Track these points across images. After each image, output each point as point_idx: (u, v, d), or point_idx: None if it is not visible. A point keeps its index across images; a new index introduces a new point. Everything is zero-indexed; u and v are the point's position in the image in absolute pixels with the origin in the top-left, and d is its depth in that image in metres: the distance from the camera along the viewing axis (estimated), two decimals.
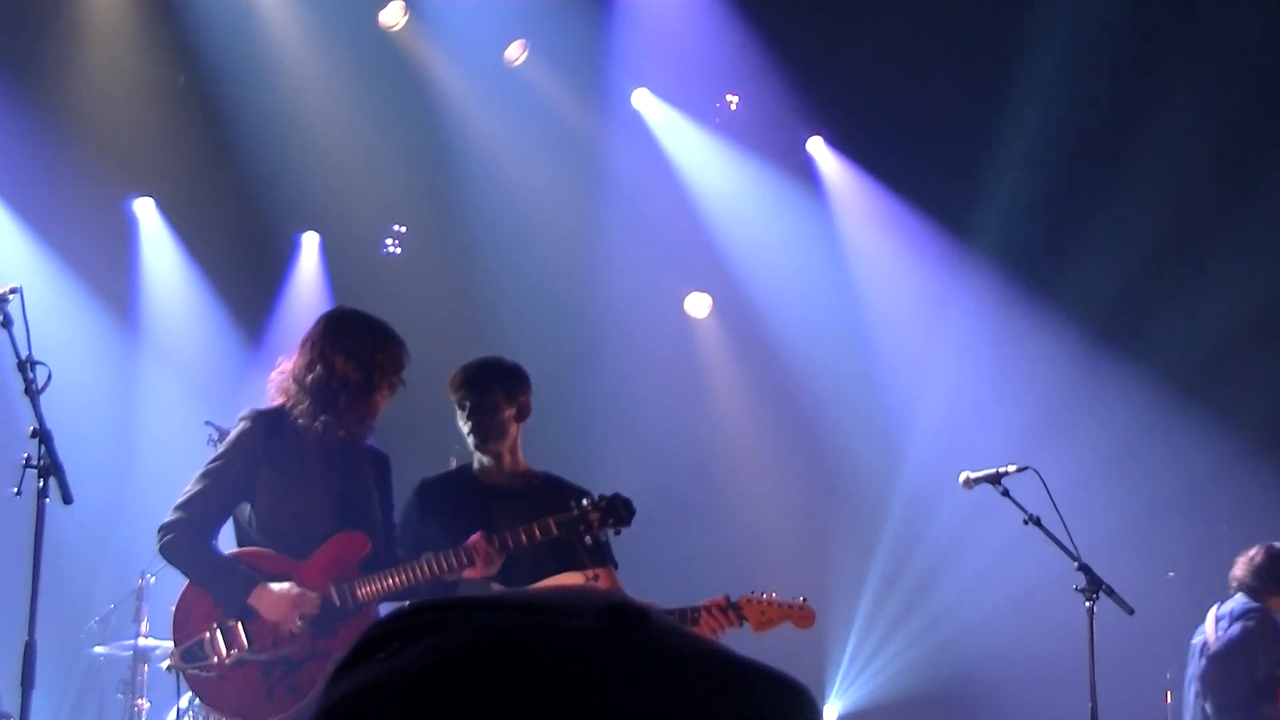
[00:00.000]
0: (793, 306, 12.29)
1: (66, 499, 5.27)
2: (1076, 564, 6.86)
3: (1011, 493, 7.05)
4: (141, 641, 8.31)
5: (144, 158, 11.45)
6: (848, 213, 12.47)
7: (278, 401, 5.88)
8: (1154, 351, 11.48)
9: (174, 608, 5.69)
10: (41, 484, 5.28)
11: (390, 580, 5.61)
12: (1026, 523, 6.95)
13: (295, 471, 5.77)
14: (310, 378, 5.82)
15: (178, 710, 6.40)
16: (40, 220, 10.97)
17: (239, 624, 5.51)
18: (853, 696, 11.58)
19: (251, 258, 11.98)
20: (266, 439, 5.79)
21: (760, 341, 12.33)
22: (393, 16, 11.41)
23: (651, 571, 11.48)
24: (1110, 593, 6.82)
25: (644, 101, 12.27)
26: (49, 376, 5.44)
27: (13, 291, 5.62)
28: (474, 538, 5.63)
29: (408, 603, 1.10)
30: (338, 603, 5.58)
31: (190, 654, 5.54)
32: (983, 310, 11.86)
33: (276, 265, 12.05)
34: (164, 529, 5.66)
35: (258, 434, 5.78)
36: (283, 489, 5.75)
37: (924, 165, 11.99)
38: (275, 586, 5.52)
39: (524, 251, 11.95)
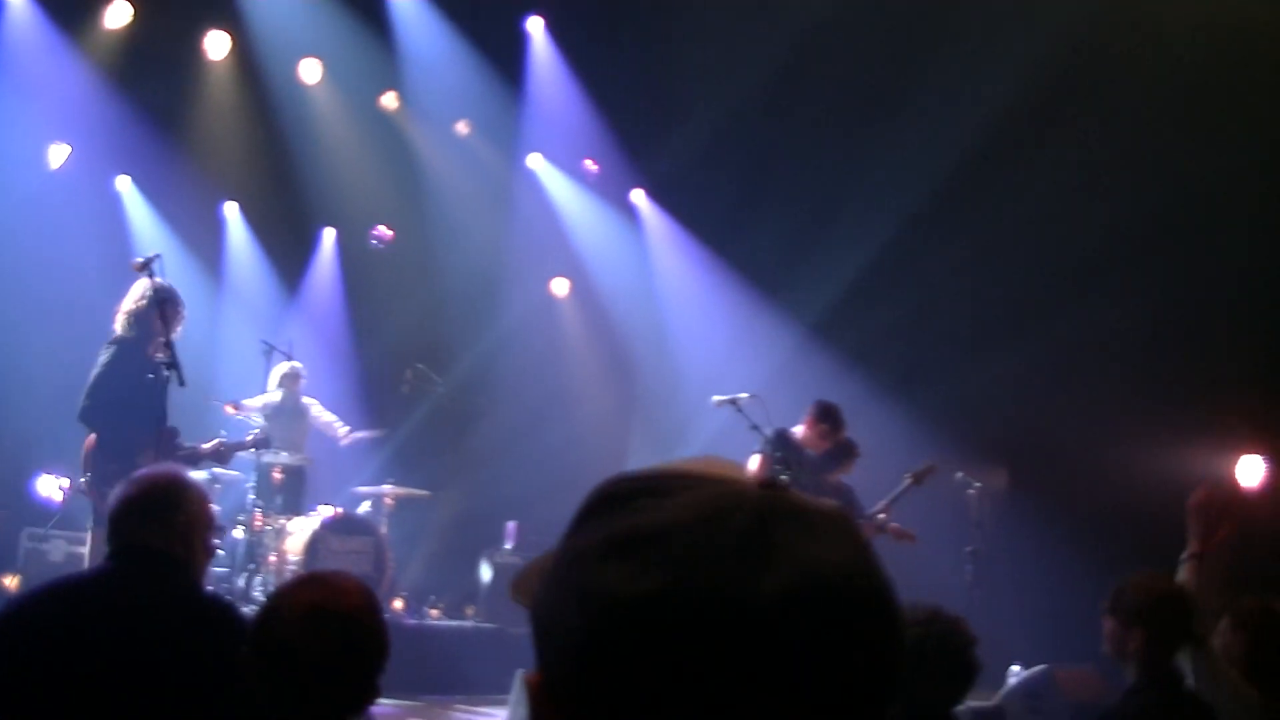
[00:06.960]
0: (622, 297, 16.33)
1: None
2: None
3: None
4: None
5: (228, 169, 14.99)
6: (656, 243, 16.51)
7: None
8: None
9: None
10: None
11: None
12: None
13: None
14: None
15: None
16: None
17: None
18: None
19: (280, 246, 15.48)
20: None
21: (602, 316, 16.38)
22: (389, 102, 15.71)
23: None
24: None
25: (536, 162, 16.42)
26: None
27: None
28: None
29: (629, 473, 1.13)
30: None
31: None
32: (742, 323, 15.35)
33: (301, 254, 15.73)
34: None
35: None
36: None
37: (708, 194, 15.38)
38: None
39: (459, 258, 15.65)
